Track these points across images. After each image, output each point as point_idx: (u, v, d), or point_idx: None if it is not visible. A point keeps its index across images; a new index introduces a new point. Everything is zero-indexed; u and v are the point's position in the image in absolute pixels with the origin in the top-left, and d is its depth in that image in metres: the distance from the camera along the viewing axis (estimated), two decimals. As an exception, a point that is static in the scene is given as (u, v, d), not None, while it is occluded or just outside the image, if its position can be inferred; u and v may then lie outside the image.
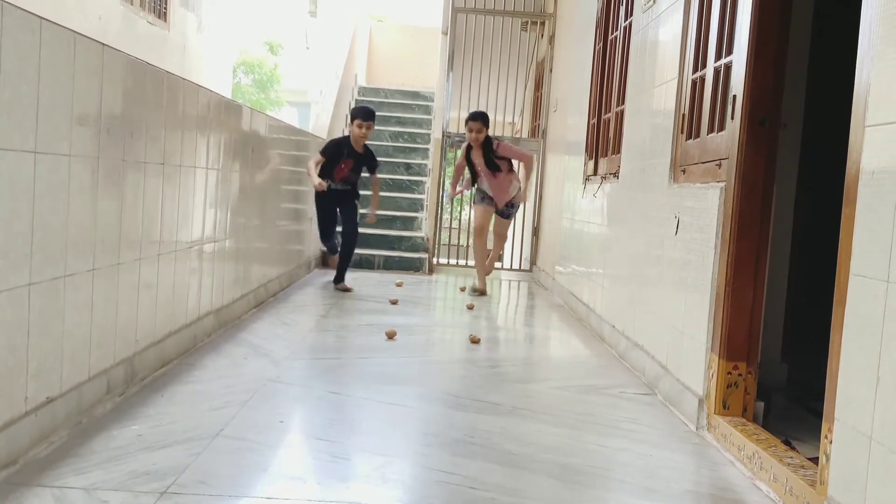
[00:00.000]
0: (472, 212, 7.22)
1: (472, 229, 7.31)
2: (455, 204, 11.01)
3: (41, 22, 2.35)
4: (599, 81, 5.98)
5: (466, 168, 6.86)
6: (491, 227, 7.09)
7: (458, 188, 7.10)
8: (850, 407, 2.10)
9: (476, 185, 6.92)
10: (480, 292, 6.89)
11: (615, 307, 4.85)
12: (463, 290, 7.19)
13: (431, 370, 4.04)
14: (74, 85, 2.57)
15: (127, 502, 2.11)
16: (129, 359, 3.16)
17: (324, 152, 6.32)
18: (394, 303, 5.95)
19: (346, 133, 6.42)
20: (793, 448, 2.79)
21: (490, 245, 7.34)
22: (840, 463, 2.13)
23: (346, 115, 10.69)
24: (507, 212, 6.92)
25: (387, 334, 4.60)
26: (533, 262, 8.84)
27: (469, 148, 6.72)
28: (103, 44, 2.77)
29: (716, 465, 2.82)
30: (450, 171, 9.49)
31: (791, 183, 4.02)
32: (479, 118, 6.61)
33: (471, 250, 9.48)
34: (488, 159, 6.61)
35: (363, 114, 6.38)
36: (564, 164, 7.29)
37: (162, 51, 8.74)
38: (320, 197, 6.43)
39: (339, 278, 6.57)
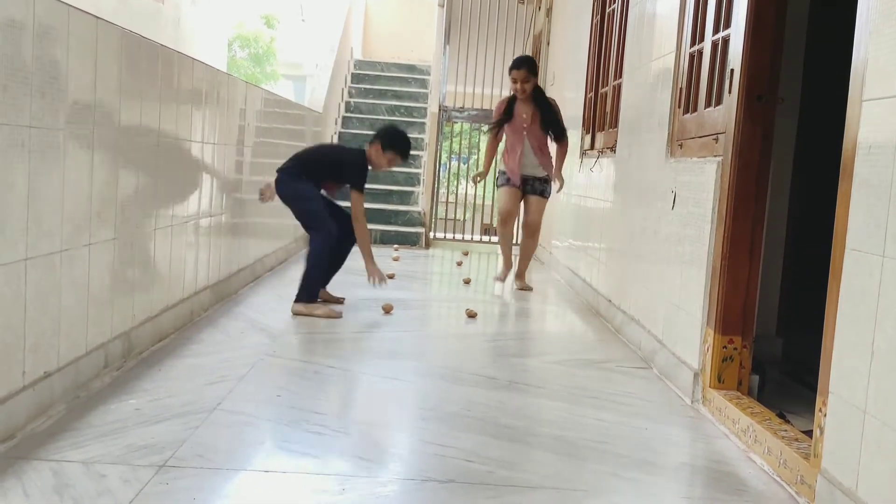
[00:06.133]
0: (497, 195, 6.04)
1: (495, 213, 6.33)
2: (451, 178, 10.97)
3: (34, -5, 2.32)
4: (597, 55, 5.94)
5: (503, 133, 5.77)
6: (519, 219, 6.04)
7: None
8: (844, 380, 2.11)
9: (504, 157, 5.81)
10: (501, 279, 5.99)
11: (612, 282, 4.86)
12: (460, 264, 7.20)
13: (428, 344, 4.05)
14: (69, 59, 2.55)
15: (125, 476, 2.12)
16: (127, 333, 3.17)
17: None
18: (390, 277, 5.96)
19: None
20: (787, 421, 2.81)
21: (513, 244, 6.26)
22: (834, 436, 2.14)
23: (343, 89, 10.63)
24: (541, 187, 5.73)
25: (383, 308, 4.60)
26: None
27: (511, 101, 5.68)
28: (97, 17, 2.75)
29: (710, 438, 2.84)
30: (447, 145, 9.47)
31: (788, 157, 4.01)
32: (523, 64, 5.58)
33: (467, 224, 9.51)
34: (546, 115, 5.63)
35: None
36: (561, 138, 7.26)
37: (156, 24, 8.66)
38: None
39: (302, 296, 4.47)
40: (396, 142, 4.56)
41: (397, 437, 2.65)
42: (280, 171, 4.55)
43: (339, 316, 4.38)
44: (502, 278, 5.98)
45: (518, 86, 5.54)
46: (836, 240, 2.20)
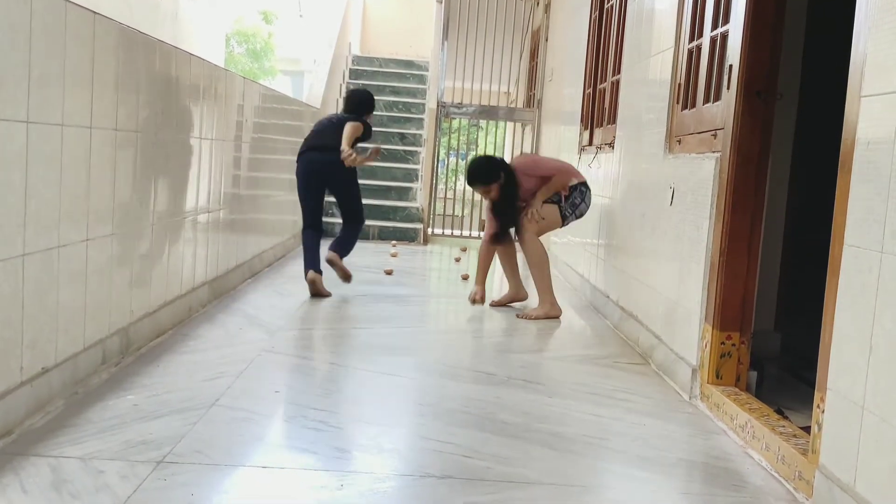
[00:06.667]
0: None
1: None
2: (449, 174, 10.95)
3: (31, -11, 2.31)
4: (595, 50, 5.94)
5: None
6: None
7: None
8: (842, 376, 2.11)
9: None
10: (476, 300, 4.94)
11: (610, 277, 4.85)
12: (458, 260, 7.19)
13: (426, 340, 4.05)
14: (66, 54, 2.54)
15: (123, 472, 2.12)
16: (125, 329, 3.16)
17: None
18: (389, 273, 5.96)
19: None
20: (785, 417, 2.81)
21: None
22: (832, 432, 2.14)
23: (341, 85, 10.62)
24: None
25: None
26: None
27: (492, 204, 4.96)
28: (95, 12, 2.74)
29: (709, 434, 2.84)
30: (445, 141, 9.44)
31: (786, 153, 4.01)
32: (475, 181, 4.86)
33: (465, 220, 9.47)
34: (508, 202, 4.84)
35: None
36: (560, 134, 7.26)
37: (153, 20, 8.65)
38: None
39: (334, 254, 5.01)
40: (371, 106, 5.27)
41: (395, 432, 2.65)
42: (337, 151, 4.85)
43: (327, 293, 4.84)
44: (475, 299, 4.93)
45: (482, 196, 5.01)
46: (834, 235, 2.20)
